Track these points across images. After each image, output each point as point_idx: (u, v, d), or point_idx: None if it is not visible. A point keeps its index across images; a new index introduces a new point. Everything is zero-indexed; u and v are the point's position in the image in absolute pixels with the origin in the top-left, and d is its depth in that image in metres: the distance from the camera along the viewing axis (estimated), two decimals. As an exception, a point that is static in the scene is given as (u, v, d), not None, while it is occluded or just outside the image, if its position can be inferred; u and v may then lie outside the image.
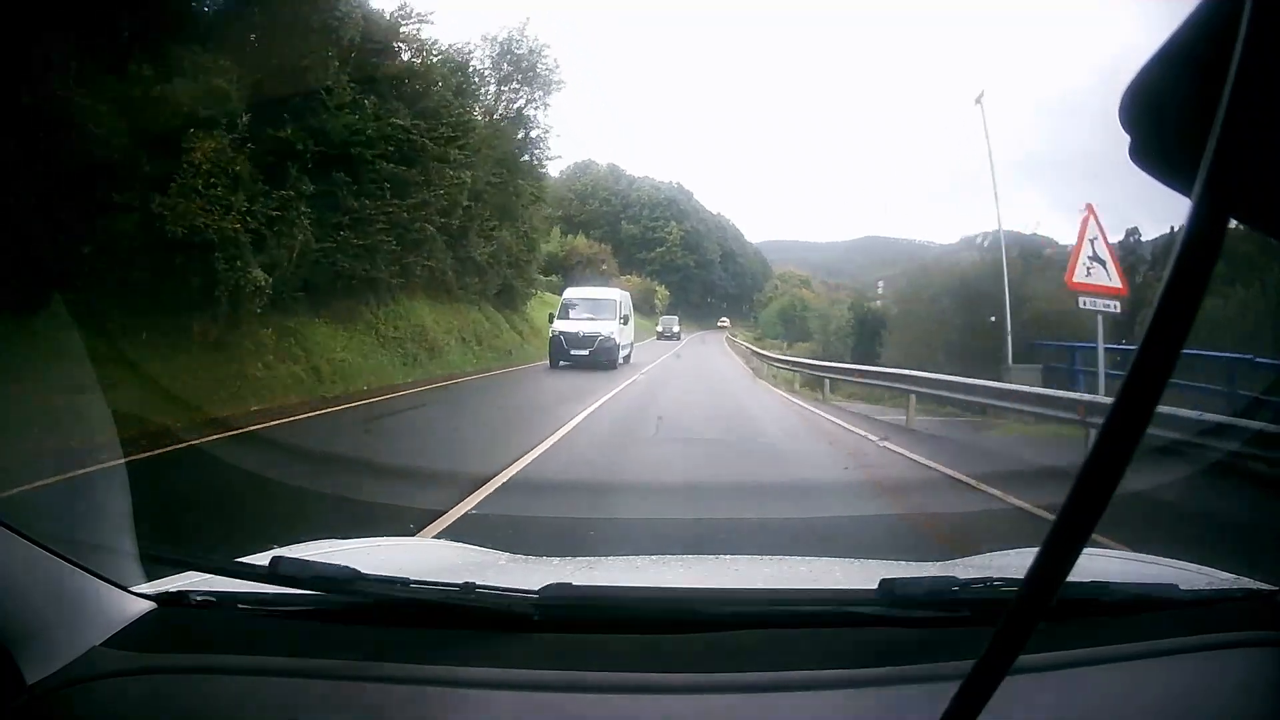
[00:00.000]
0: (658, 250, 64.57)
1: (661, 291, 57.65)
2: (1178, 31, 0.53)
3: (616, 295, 22.66)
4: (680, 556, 2.32)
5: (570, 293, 22.49)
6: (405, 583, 1.23)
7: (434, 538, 4.33)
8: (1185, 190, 0.49)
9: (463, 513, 5.28)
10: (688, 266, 66.22)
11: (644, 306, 52.88)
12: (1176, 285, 0.47)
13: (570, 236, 49.59)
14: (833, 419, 12.43)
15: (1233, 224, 0.50)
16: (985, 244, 21.94)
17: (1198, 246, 0.46)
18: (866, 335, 23.60)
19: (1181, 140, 0.53)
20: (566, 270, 40.92)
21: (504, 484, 6.25)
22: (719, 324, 59.69)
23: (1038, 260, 22.15)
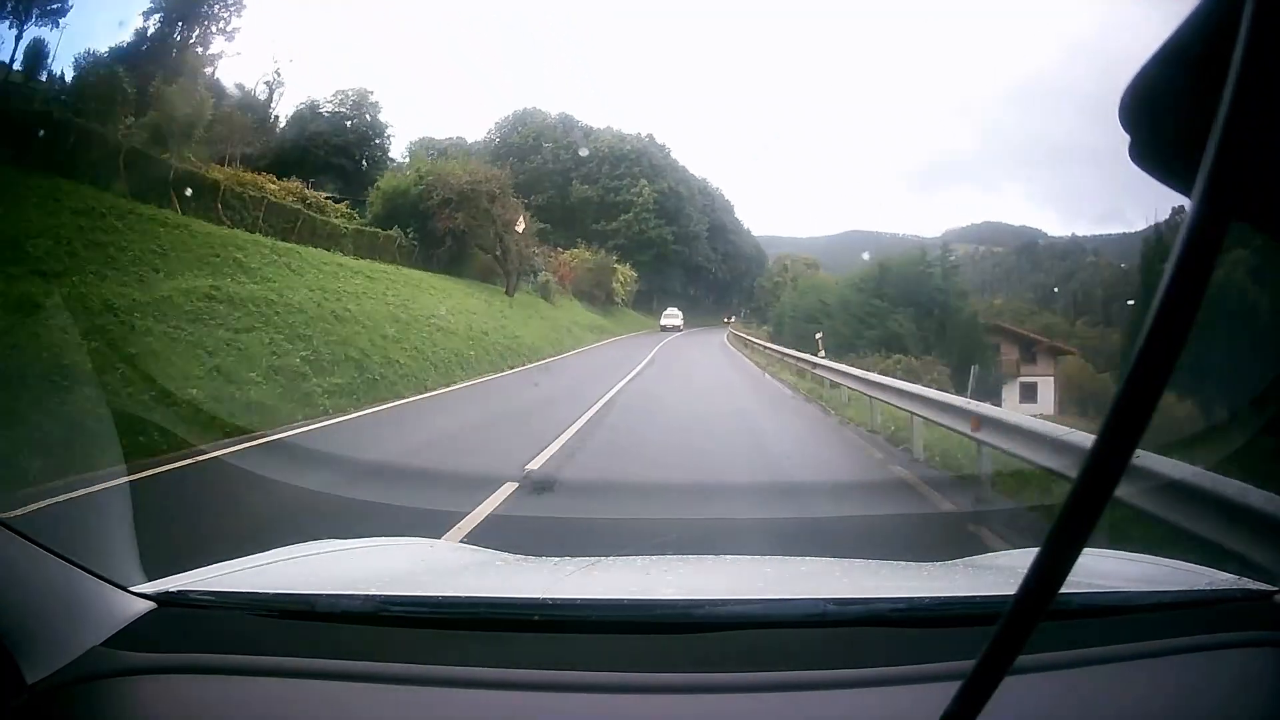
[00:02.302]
0: (622, 218, 46.98)
1: (624, 272, 42.09)
2: (1178, 31, 0.53)
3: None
4: (683, 556, 2.32)
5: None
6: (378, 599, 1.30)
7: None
8: (1185, 190, 0.49)
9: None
10: (664, 241, 48.19)
11: (594, 295, 37.84)
12: (1176, 285, 0.47)
13: (440, 158, 31.66)
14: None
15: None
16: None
17: (1198, 246, 0.46)
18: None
19: (1181, 140, 0.53)
20: (426, 216, 24.18)
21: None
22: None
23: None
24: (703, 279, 53.67)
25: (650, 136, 51.79)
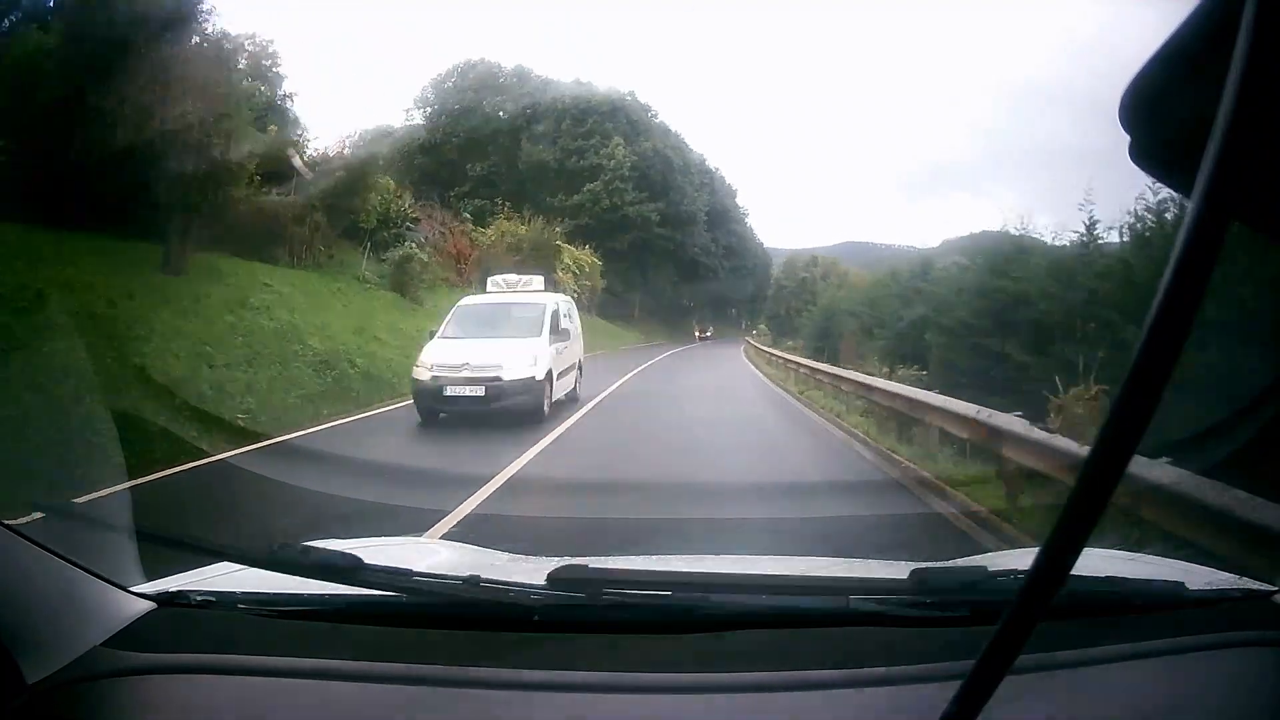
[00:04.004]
0: (587, 189, 31.74)
1: (576, 256, 26.36)
2: (1177, 31, 0.53)
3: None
4: (682, 556, 2.33)
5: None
6: (409, 574, 1.24)
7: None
8: (1185, 190, 0.49)
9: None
10: (646, 221, 32.72)
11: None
12: (1177, 285, 0.47)
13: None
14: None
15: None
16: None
17: (1198, 246, 0.46)
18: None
19: (1181, 140, 0.53)
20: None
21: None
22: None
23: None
24: (700, 279, 38.19)
25: (631, 94, 35.62)
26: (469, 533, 4.70)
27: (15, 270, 8.90)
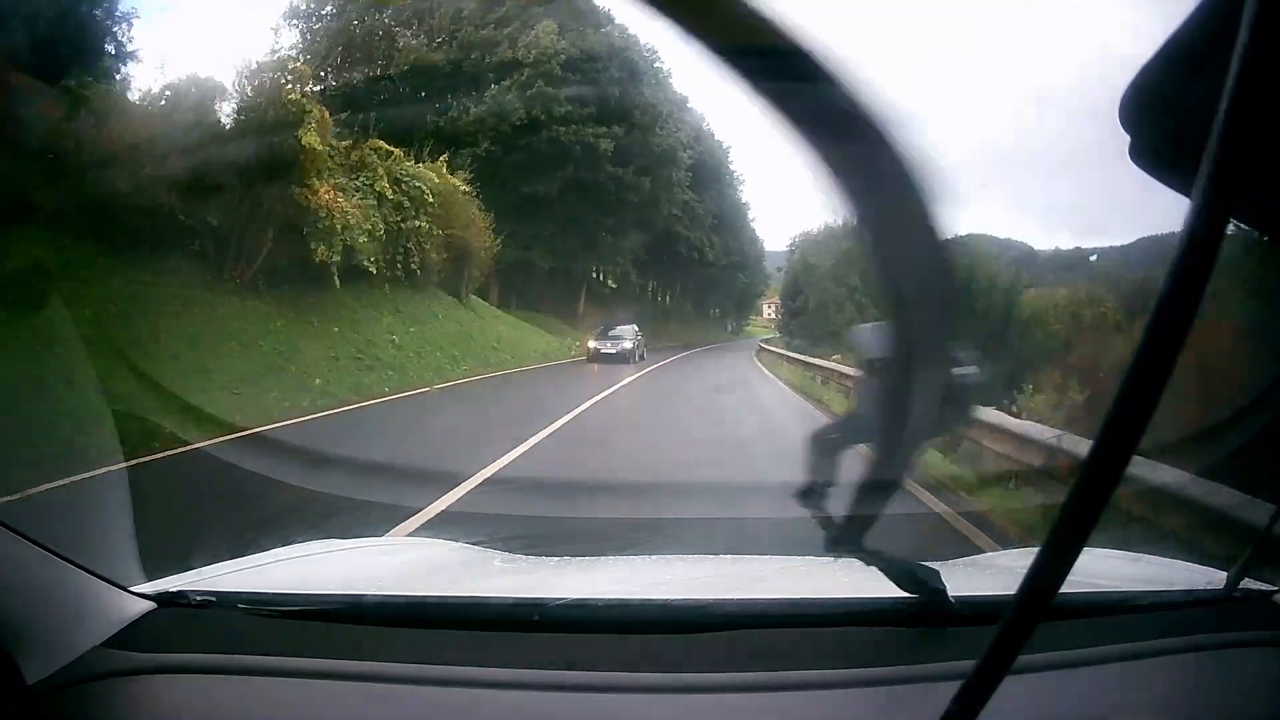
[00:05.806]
0: (489, 94, 19.50)
1: (390, 167, 14.77)
2: (1178, 31, 0.53)
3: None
4: (682, 556, 2.33)
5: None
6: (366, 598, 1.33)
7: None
8: (1185, 190, 0.49)
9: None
10: (592, 153, 19.99)
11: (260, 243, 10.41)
12: (1176, 286, 0.47)
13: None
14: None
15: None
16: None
17: (1198, 246, 0.46)
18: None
19: (1181, 140, 0.53)
20: None
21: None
22: None
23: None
24: (679, 260, 26.29)
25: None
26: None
27: None
